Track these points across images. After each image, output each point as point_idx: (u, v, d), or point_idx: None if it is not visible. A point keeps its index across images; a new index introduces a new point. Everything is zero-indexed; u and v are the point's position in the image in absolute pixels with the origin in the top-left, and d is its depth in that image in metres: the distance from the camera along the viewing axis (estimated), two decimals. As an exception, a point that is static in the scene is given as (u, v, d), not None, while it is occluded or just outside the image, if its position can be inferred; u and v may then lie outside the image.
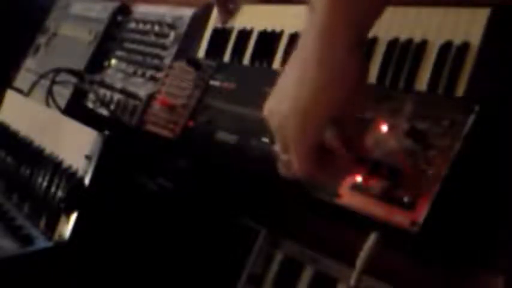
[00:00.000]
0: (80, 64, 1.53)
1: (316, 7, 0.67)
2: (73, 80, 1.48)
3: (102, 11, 1.59)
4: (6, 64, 1.84)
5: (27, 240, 1.04)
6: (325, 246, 0.85)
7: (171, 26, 1.34)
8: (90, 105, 1.45)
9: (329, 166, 0.70)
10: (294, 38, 1.04)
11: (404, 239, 0.72)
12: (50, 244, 1.04)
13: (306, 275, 0.86)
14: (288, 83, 0.68)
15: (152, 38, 1.38)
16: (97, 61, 1.52)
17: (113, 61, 1.48)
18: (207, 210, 1.04)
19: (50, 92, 1.41)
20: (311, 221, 0.89)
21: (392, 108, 0.80)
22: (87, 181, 1.05)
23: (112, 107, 1.37)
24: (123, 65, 1.44)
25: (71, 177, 1.08)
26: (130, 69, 1.40)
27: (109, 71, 1.47)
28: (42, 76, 1.48)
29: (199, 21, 1.28)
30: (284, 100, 0.68)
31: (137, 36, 1.44)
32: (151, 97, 1.27)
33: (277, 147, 0.71)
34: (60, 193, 1.09)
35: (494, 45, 0.76)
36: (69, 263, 1.03)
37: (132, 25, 1.48)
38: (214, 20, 1.24)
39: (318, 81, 0.65)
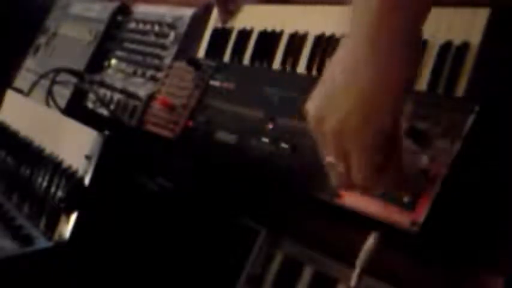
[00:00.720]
0: (80, 64, 1.53)
1: (361, 9, 0.63)
2: (73, 80, 1.48)
3: (102, 11, 1.59)
4: (6, 64, 1.84)
5: (27, 240, 1.04)
6: (325, 246, 0.85)
7: (171, 26, 1.34)
8: (90, 105, 1.45)
9: (385, 179, 0.67)
10: (294, 38, 1.04)
11: (404, 239, 0.72)
12: (50, 244, 1.04)
13: (306, 275, 0.86)
14: (339, 82, 0.64)
15: (152, 38, 1.38)
16: (97, 61, 1.52)
17: (113, 61, 1.48)
18: (207, 210, 1.04)
19: (50, 92, 1.41)
20: (311, 221, 0.89)
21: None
22: (87, 181, 1.05)
23: (112, 107, 1.37)
24: (123, 65, 1.44)
25: (71, 177, 1.08)
26: (131, 69, 1.40)
27: (109, 71, 1.47)
28: (42, 76, 1.47)
29: (199, 21, 1.28)
30: (338, 100, 0.63)
31: (137, 36, 1.44)
32: (151, 97, 1.27)
33: (330, 158, 0.67)
34: (60, 193, 1.09)
35: (494, 45, 0.76)
36: (69, 263, 1.03)
37: (132, 25, 1.48)
38: (214, 20, 1.24)
39: (374, 70, 0.61)
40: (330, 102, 0.64)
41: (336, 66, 0.65)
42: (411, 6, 0.62)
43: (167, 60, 1.30)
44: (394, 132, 0.65)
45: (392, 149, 0.66)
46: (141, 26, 1.44)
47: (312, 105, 0.67)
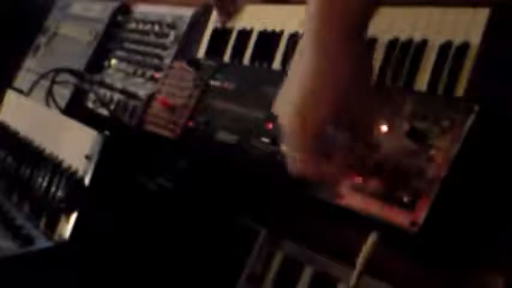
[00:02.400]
0: (80, 64, 1.53)
1: (309, 12, 0.69)
2: (73, 80, 1.48)
3: (102, 11, 1.59)
4: (6, 64, 1.84)
5: (27, 240, 1.04)
6: (325, 246, 0.85)
7: (171, 26, 1.34)
8: (90, 105, 1.45)
9: (333, 165, 0.70)
10: (294, 38, 1.04)
11: (404, 239, 0.72)
12: (50, 244, 1.04)
13: (306, 275, 0.86)
14: (290, 86, 0.70)
15: (152, 38, 1.38)
16: (97, 61, 1.52)
17: (113, 61, 1.48)
18: (207, 210, 1.04)
19: (50, 92, 1.41)
20: (311, 221, 0.89)
21: (392, 108, 0.80)
22: (87, 181, 1.05)
23: (112, 107, 1.37)
24: (123, 65, 1.44)
25: (71, 177, 1.08)
26: (130, 69, 1.40)
27: (109, 71, 1.47)
28: (42, 76, 1.47)
29: (199, 21, 1.28)
30: (287, 102, 0.69)
31: (137, 36, 1.44)
32: (151, 97, 1.27)
33: (284, 146, 0.72)
34: (60, 193, 1.09)
35: (494, 45, 0.76)
36: (69, 263, 1.03)
37: (132, 25, 1.47)
38: (214, 20, 1.24)
39: (312, 82, 0.67)
40: (280, 98, 0.72)
41: (293, 64, 0.72)
42: (350, 4, 0.67)
43: (167, 60, 1.30)
44: (343, 122, 0.69)
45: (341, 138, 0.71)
46: (141, 26, 1.44)
47: (277, 99, 0.74)
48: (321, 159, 0.69)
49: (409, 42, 0.86)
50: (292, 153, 0.70)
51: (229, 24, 1.20)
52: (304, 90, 0.67)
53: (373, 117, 0.73)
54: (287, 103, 0.69)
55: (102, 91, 1.43)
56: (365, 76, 0.70)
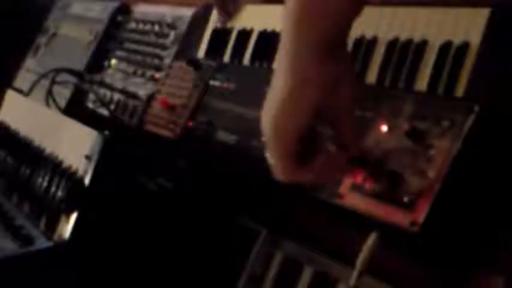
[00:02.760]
0: (80, 64, 1.53)
1: (285, 17, 0.70)
2: (73, 80, 1.48)
3: (102, 11, 1.59)
4: (6, 64, 1.84)
5: (27, 240, 1.04)
6: (325, 246, 0.85)
7: (171, 26, 1.34)
8: (90, 105, 1.45)
9: (320, 167, 0.70)
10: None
11: (404, 239, 0.72)
12: (50, 244, 1.04)
13: (306, 275, 0.86)
14: (269, 94, 0.70)
15: (152, 38, 1.38)
16: (97, 61, 1.52)
17: (113, 61, 1.48)
18: (207, 210, 1.04)
19: (50, 92, 1.41)
20: (311, 221, 0.90)
21: (392, 108, 0.80)
22: (87, 181, 1.05)
23: (112, 107, 1.37)
24: (123, 65, 1.44)
25: (71, 177, 1.08)
26: (131, 69, 1.40)
27: (109, 71, 1.47)
28: (42, 76, 1.48)
29: (199, 21, 1.28)
30: (266, 109, 0.69)
31: (137, 36, 1.44)
32: (151, 97, 1.27)
33: (266, 153, 0.72)
34: (60, 193, 1.09)
35: (494, 45, 0.76)
36: (69, 263, 1.03)
37: (132, 25, 1.48)
38: (214, 20, 1.24)
39: (284, 92, 0.66)
40: (265, 106, 0.71)
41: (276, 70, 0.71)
42: (325, 12, 0.66)
43: (167, 60, 1.30)
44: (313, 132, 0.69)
45: (313, 146, 0.70)
46: (141, 26, 1.44)
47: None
48: (297, 165, 0.69)
49: (409, 42, 0.86)
50: (272, 160, 0.71)
51: (229, 24, 1.20)
52: (276, 105, 0.67)
53: (353, 121, 0.72)
54: (266, 111, 0.70)
55: (102, 91, 1.43)
56: (344, 87, 0.68)
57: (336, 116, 0.69)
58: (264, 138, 0.71)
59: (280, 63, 0.69)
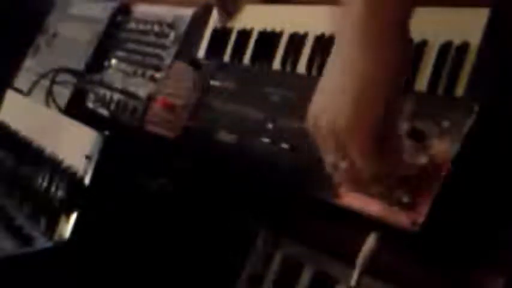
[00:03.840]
0: (80, 64, 1.53)
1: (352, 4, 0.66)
2: (73, 80, 1.48)
3: (102, 11, 1.59)
4: (6, 64, 1.83)
5: (27, 240, 1.04)
6: (325, 246, 0.85)
7: (171, 26, 1.34)
8: (90, 105, 1.45)
9: (390, 156, 0.68)
10: (294, 38, 1.04)
11: (405, 238, 0.72)
12: (50, 244, 1.04)
13: (306, 275, 0.86)
14: (332, 83, 0.67)
15: (152, 38, 1.38)
16: (97, 61, 1.52)
17: (113, 61, 1.48)
18: (207, 210, 1.04)
19: (50, 92, 1.41)
20: (311, 221, 0.90)
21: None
22: (87, 181, 1.05)
23: (112, 107, 1.37)
24: (123, 65, 1.43)
25: (71, 177, 1.08)
26: (130, 69, 1.40)
27: (109, 71, 1.47)
28: (42, 76, 1.48)
29: (199, 21, 1.28)
30: (331, 99, 0.66)
31: (137, 36, 1.44)
32: (151, 97, 1.27)
33: (330, 158, 0.69)
34: (60, 193, 1.09)
35: (494, 45, 0.76)
36: (69, 263, 1.03)
37: (132, 25, 1.47)
38: (214, 20, 1.24)
39: (366, 67, 0.64)
40: (323, 102, 0.68)
41: (329, 67, 0.69)
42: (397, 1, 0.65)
43: (167, 60, 1.30)
44: (388, 122, 0.67)
45: (388, 136, 0.68)
46: (141, 26, 1.44)
47: (310, 107, 0.71)
48: (379, 149, 0.66)
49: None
50: (346, 157, 0.67)
51: (229, 24, 1.20)
52: (358, 87, 0.65)
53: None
54: (332, 100, 0.66)
55: (102, 91, 1.43)
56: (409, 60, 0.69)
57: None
58: (323, 140, 0.68)
59: (345, 58, 0.67)
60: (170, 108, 1.19)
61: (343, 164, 0.68)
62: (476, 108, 0.72)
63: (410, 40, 0.70)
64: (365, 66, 0.65)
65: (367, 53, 0.65)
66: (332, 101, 0.67)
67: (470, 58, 0.77)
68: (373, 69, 0.65)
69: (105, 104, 1.38)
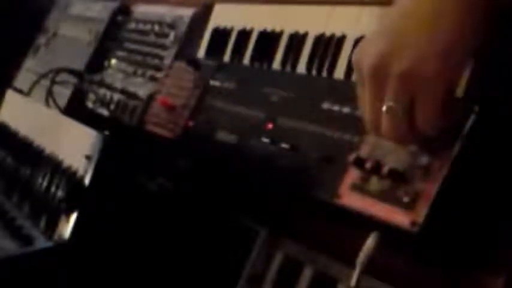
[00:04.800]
0: (80, 64, 1.53)
1: None
2: (73, 80, 1.48)
3: (102, 11, 1.59)
4: (6, 64, 1.84)
5: (27, 240, 1.04)
6: (325, 246, 0.85)
7: (171, 26, 1.34)
8: (90, 105, 1.45)
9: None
10: (294, 38, 1.04)
11: (404, 239, 0.72)
12: (50, 244, 1.04)
13: (306, 275, 0.86)
14: (411, 26, 0.61)
15: (152, 38, 1.38)
16: (97, 61, 1.52)
17: (113, 61, 1.48)
18: (207, 210, 1.04)
19: (50, 92, 1.41)
20: (311, 221, 0.89)
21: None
22: (87, 181, 1.05)
23: (112, 107, 1.37)
24: (123, 65, 1.44)
25: (71, 177, 1.08)
26: (130, 69, 1.40)
27: (109, 71, 1.47)
28: (42, 76, 1.48)
29: (199, 21, 1.28)
30: (412, 44, 0.61)
31: (137, 36, 1.44)
32: (151, 97, 1.27)
33: (390, 103, 0.63)
34: (60, 193, 1.09)
35: (494, 46, 0.76)
36: (69, 263, 1.03)
37: (132, 25, 1.48)
38: (214, 20, 1.24)
39: (460, 16, 0.60)
40: (403, 44, 0.61)
41: (404, 10, 0.63)
42: None
43: (167, 60, 1.30)
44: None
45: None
46: (141, 26, 1.44)
47: (376, 46, 0.63)
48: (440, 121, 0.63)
49: (409, 42, 0.85)
50: (403, 110, 0.62)
51: (229, 24, 1.20)
52: (454, 24, 0.60)
53: None
54: (409, 51, 0.60)
55: (102, 91, 1.43)
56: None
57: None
58: (388, 86, 0.62)
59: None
60: (170, 108, 1.19)
61: (401, 112, 0.64)
62: (476, 108, 0.72)
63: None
64: (456, 15, 0.60)
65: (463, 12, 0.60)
66: (413, 46, 0.61)
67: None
68: (465, 18, 0.60)
69: (105, 104, 1.38)
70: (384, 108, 0.65)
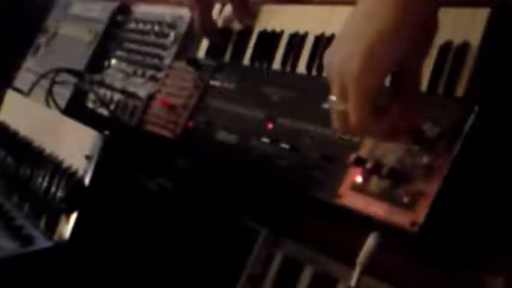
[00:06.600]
0: (80, 64, 1.53)
1: None
2: (73, 80, 1.48)
3: (102, 11, 1.59)
4: (6, 64, 1.84)
5: (27, 240, 1.04)
6: (325, 246, 0.85)
7: (171, 26, 1.34)
8: (90, 105, 1.45)
9: (382, 124, 0.68)
10: (294, 38, 1.04)
11: (404, 239, 0.72)
12: (50, 244, 1.04)
13: (306, 275, 0.86)
14: (352, 27, 0.66)
15: (152, 38, 1.38)
16: (97, 61, 1.52)
17: (113, 61, 1.48)
18: (207, 210, 1.04)
19: (50, 92, 1.41)
20: (311, 221, 0.90)
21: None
22: (87, 181, 1.05)
23: (112, 107, 1.37)
24: (123, 65, 1.44)
25: (71, 177, 1.08)
26: (130, 69, 1.40)
27: (109, 71, 1.47)
28: (42, 76, 1.47)
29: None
30: (347, 42, 0.66)
31: (137, 36, 1.44)
32: (151, 97, 1.27)
33: (333, 97, 0.69)
34: (60, 193, 1.09)
35: (494, 45, 0.76)
36: (69, 263, 1.03)
37: (132, 25, 1.47)
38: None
39: (389, 17, 0.63)
40: (341, 43, 0.67)
41: (353, 11, 0.68)
42: None
43: (167, 60, 1.30)
44: (404, 79, 0.68)
45: (396, 97, 0.69)
46: (141, 26, 1.44)
47: (329, 47, 0.69)
48: (375, 111, 0.66)
49: (409, 42, 0.85)
50: (345, 103, 0.66)
51: (229, 25, 1.20)
52: (378, 25, 0.64)
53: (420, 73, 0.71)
54: (348, 43, 0.65)
55: (102, 91, 1.43)
56: (428, 44, 0.69)
57: (409, 72, 0.68)
58: (331, 80, 0.67)
59: (368, 5, 0.66)
60: (170, 108, 1.19)
61: (340, 107, 0.68)
62: (476, 108, 0.72)
63: (435, 11, 0.68)
64: (389, 15, 0.64)
65: (394, 5, 0.64)
66: (348, 44, 0.66)
67: (470, 58, 0.77)
68: (394, 20, 0.63)
69: (105, 104, 1.38)
70: (328, 101, 0.70)
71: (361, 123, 0.67)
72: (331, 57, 0.68)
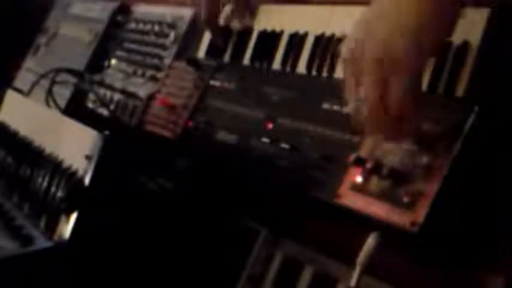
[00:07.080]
0: (80, 64, 1.53)
1: None
2: (73, 80, 1.48)
3: (102, 11, 1.59)
4: (6, 64, 1.84)
5: (27, 240, 1.04)
6: (325, 246, 0.85)
7: (171, 26, 1.34)
8: (90, 105, 1.45)
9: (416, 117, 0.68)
10: (294, 38, 1.04)
11: (404, 239, 0.72)
12: (50, 244, 1.04)
13: (306, 275, 0.86)
14: (389, 8, 0.65)
15: (152, 38, 1.38)
16: (97, 61, 1.52)
17: (113, 61, 1.48)
18: (207, 210, 1.04)
19: (50, 92, 1.41)
20: (311, 221, 0.90)
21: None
22: (87, 181, 1.05)
23: (112, 107, 1.37)
24: (123, 65, 1.44)
25: (71, 177, 1.08)
26: (130, 69, 1.40)
27: (109, 71, 1.47)
28: (42, 76, 1.47)
29: (199, 21, 1.28)
30: (387, 24, 0.64)
31: (137, 36, 1.44)
32: (151, 97, 1.27)
33: (366, 84, 0.66)
34: (60, 193, 1.09)
35: (494, 45, 0.76)
36: (69, 263, 1.03)
37: (132, 25, 1.47)
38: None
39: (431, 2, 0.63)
40: (372, 30, 0.65)
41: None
42: None
43: (167, 60, 1.30)
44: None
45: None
46: (141, 26, 1.44)
47: (351, 37, 0.67)
48: (414, 105, 0.66)
49: (409, 42, 0.85)
50: (379, 91, 0.64)
51: (228, 24, 1.19)
52: (421, 12, 0.63)
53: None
54: (378, 35, 0.63)
55: (102, 91, 1.43)
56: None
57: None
58: (359, 66, 0.65)
59: None
60: (170, 108, 1.19)
61: (375, 94, 0.66)
62: (476, 108, 0.72)
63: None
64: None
65: None
66: (382, 30, 0.64)
67: (470, 58, 0.77)
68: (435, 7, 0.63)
69: (105, 104, 1.38)
70: (356, 96, 0.68)
71: (403, 109, 0.65)
72: (361, 42, 0.65)
